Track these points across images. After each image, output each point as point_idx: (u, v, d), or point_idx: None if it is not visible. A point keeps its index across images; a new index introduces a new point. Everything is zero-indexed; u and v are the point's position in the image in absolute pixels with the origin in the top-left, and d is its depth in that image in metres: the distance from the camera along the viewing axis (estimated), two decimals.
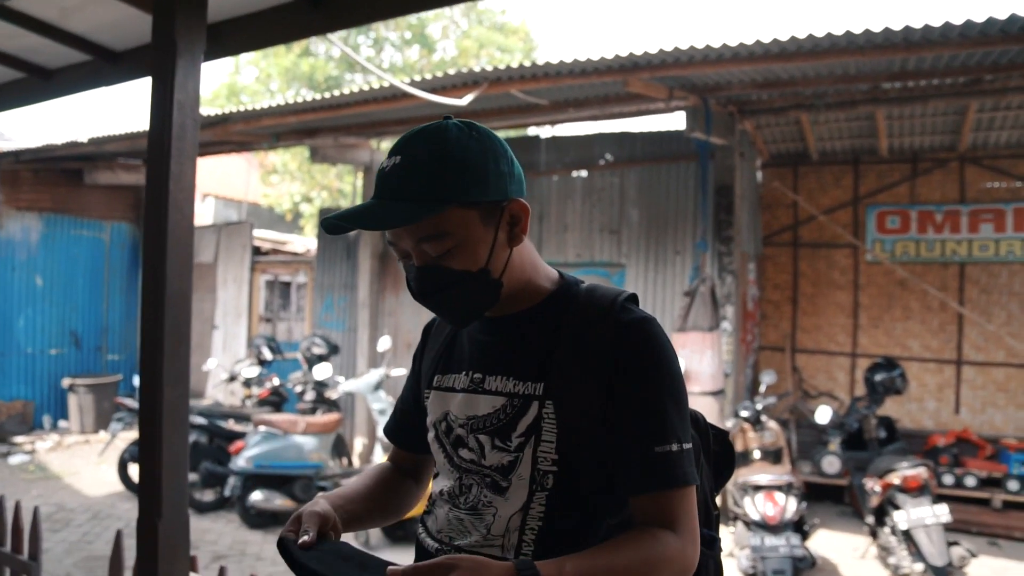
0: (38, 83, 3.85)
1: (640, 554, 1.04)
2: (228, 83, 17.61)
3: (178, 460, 2.17)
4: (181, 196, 2.18)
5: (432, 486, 1.33)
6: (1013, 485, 6.35)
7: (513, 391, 1.16)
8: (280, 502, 6.09)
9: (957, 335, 7.39)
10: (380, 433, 6.24)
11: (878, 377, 6.06)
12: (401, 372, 6.81)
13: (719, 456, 1.38)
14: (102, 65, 3.44)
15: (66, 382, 9.29)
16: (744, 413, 5.63)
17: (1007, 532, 6.17)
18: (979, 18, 4.23)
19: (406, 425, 1.43)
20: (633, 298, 1.20)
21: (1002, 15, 4.19)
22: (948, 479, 6.43)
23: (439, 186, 1.07)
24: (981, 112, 6.40)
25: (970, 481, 6.45)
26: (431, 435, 1.29)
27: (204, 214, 16.75)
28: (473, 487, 1.19)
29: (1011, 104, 6.20)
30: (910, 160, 7.59)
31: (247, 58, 17.97)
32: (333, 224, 1.08)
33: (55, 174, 9.64)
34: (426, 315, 8.59)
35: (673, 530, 1.08)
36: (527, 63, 5.14)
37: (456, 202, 1.07)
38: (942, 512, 4.70)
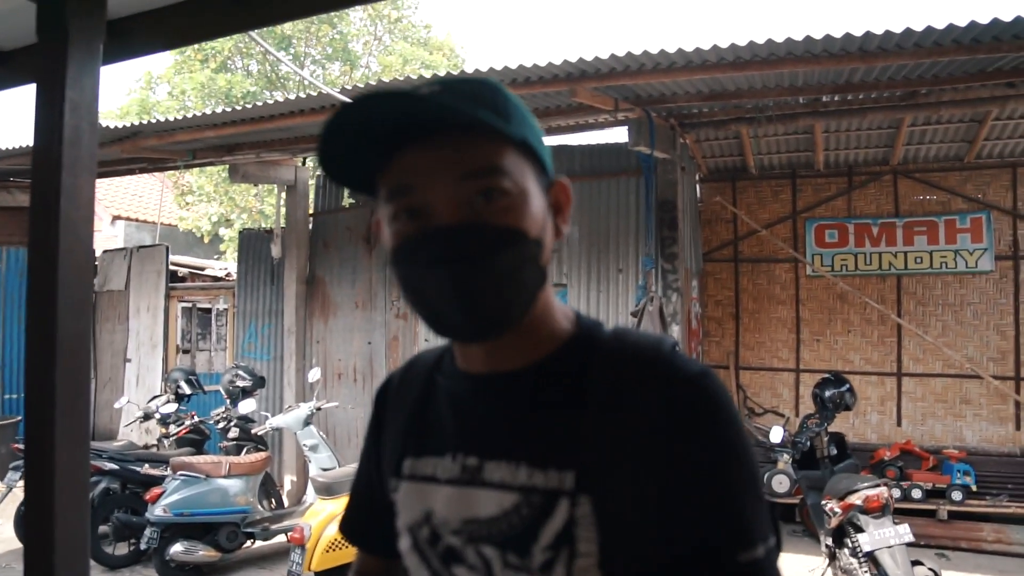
0: None
1: None
2: (139, 99, 16.72)
3: (75, 544, 1.74)
4: (77, 215, 1.77)
5: None
6: (956, 495, 6.37)
7: (529, 484, 0.82)
8: (203, 553, 5.55)
9: (896, 347, 7.45)
10: (312, 472, 5.77)
11: (827, 393, 5.98)
12: (333, 404, 6.36)
13: None
14: None
15: None
16: None
17: (954, 543, 6.18)
18: (918, 26, 4.20)
19: (369, 521, 1.05)
20: (675, 346, 0.88)
21: (940, 24, 4.18)
22: (895, 492, 6.40)
23: (502, 113, 0.80)
24: (914, 126, 6.49)
25: (916, 493, 6.45)
26: (406, 543, 0.92)
27: (114, 238, 15.75)
28: None
29: (942, 118, 6.29)
30: (846, 174, 7.66)
31: (159, 72, 17.12)
32: (383, 104, 0.77)
33: None
34: (359, 343, 8.26)
35: None
36: (468, 71, 4.85)
37: (525, 141, 0.81)
38: (905, 532, 4.59)
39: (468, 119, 0.76)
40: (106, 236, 15.27)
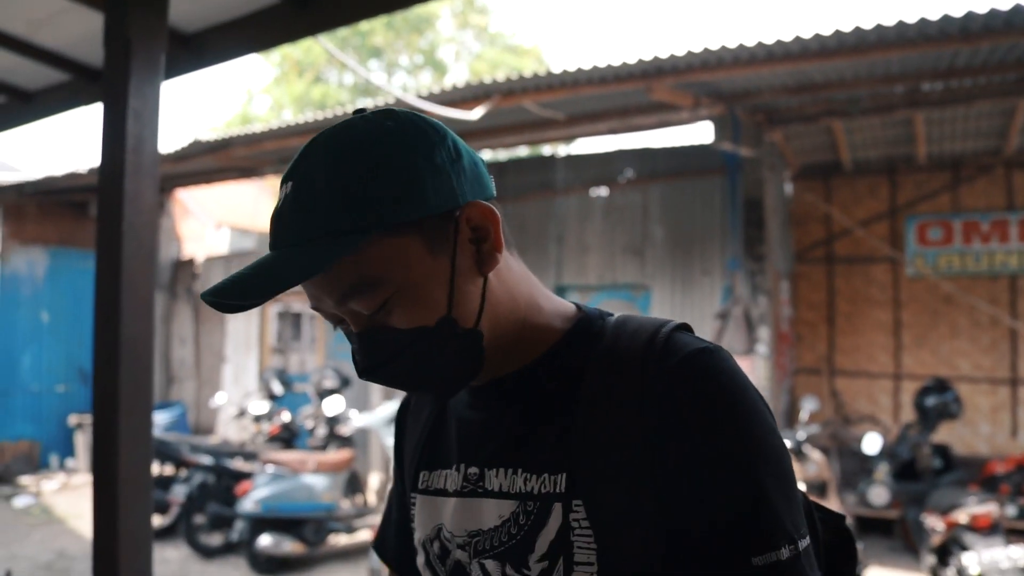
0: (18, 106, 3.61)
1: None
2: (241, 113, 17.58)
3: (139, 540, 1.80)
4: (139, 221, 1.83)
5: None
6: None
7: (525, 490, 0.78)
8: (290, 546, 5.72)
9: (1011, 353, 6.90)
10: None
11: (930, 401, 5.61)
12: None
13: (833, 550, 0.90)
14: (82, 84, 3.17)
15: (73, 420, 9.01)
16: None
17: None
18: None
19: (397, 539, 1.02)
20: (683, 327, 0.79)
21: None
22: (1011, 510, 5.91)
23: (347, 211, 0.70)
24: None
25: None
26: (420, 559, 0.89)
27: (219, 244, 16.59)
28: None
29: None
30: (951, 167, 7.16)
31: (260, 87, 17.93)
32: (215, 303, 0.72)
33: (60, 206, 9.46)
34: None
35: None
36: (542, 72, 4.81)
37: (377, 229, 0.70)
38: (1019, 555, 4.23)
39: (312, 275, 0.71)
40: (211, 242, 16.11)
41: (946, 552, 4.71)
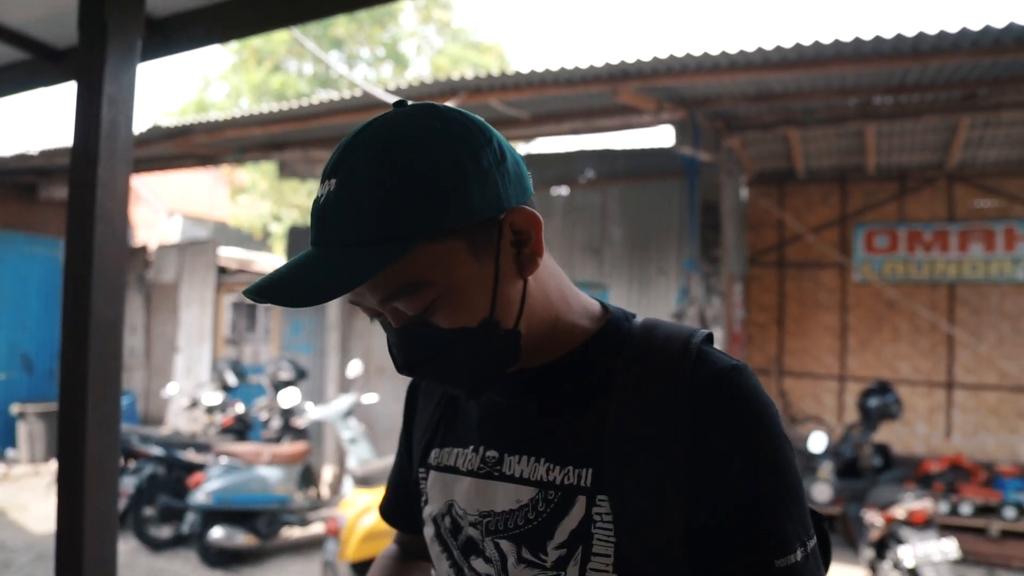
0: None
1: None
2: (197, 100, 17.20)
3: (105, 527, 1.80)
4: (112, 206, 1.83)
5: None
6: (1010, 513, 6.14)
7: (547, 479, 0.81)
8: (243, 539, 5.67)
9: (947, 357, 7.20)
10: (350, 464, 5.85)
11: (872, 402, 5.83)
12: (373, 399, 6.44)
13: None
14: (41, 64, 3.09)
15: (15, 408, 8.74)
16: None
17: (1005, 562, 5.95)
18: (975, 26, 4.07)
19: (406, 506, 1.07)
20: (710, 339, 0.84)
21: (999, 24, 4.03)
22: (943, 507, 6.20)
23: (394, 218, 0.71)
24: (972, 129, 6.25)
25: (965, 509, 6.22)
26: (430, 532, 0.93)
27: (171, 232, 16.23)
28: None
29: (1003, 120, 6.05)
30: (898, 178, 7.44)
31: (217, 73, 17.56)
32: (258, 298, 0.73)
33: (7, 189, 9.16)
34: None
35: None
36: (510, 71, 4.86)
37: (425, 236, 0.72)
38: (950, 548, 4.44)
39: (362, 281, 0.70)
40: (163, 230, 15.76)
41: (884, 546, 4.91)
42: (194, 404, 7.50)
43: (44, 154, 7.42)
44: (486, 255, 0.76)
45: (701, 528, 0.76)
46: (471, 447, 0.89)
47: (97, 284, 1.80)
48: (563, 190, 7.23)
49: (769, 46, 4.29)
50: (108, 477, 1.83)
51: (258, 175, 15.81)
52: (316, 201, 0.76)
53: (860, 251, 7.49)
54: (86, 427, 1.78)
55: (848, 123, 5.91)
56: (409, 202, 0.71)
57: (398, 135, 0.73)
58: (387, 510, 1.13)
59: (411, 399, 1.06)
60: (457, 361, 0.78)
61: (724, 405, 0.77)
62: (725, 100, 5.47)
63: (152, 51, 2.23)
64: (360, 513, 4.76)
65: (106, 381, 1.82)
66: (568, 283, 0.89)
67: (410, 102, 0.79)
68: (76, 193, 1.84)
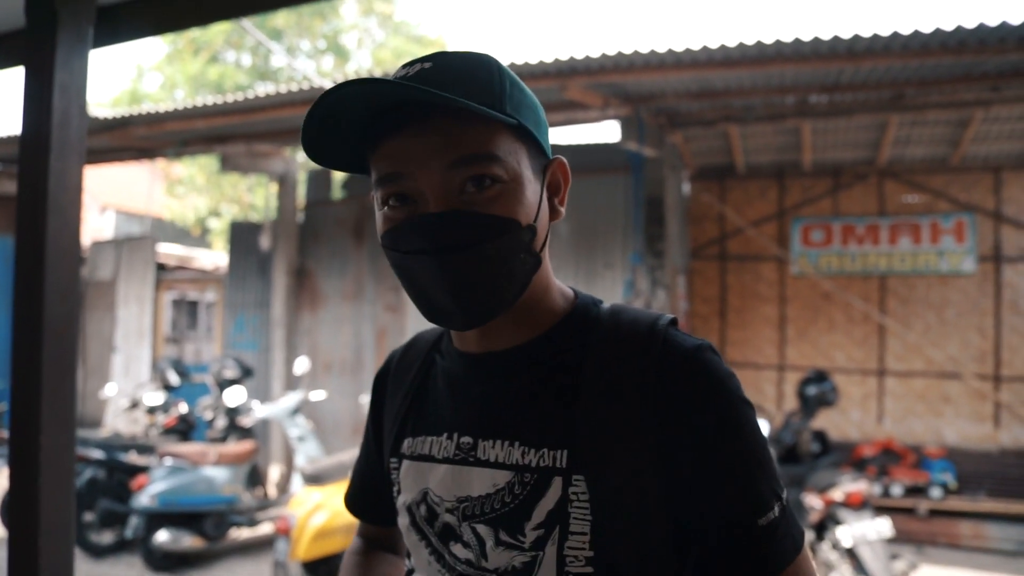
0: None
1: None
2: (130, 90, 16.63)
3: (62, 526, 1.76)
4: (65, 198, 1.78)
5: None
6: (936, 492, 6.46)
7: (522, 462, 0.83)
8: (189, 542, 5.55)
9: (879, 346, 7.52)
10: (298, 462, 5.79)
11: (810, 390, 6.04)
12: (320, 395, 6.37)
13: None
14: None
15: None
16: None
17: (931, 539, 6.27)
18: (905, 30, 4.27)
19: (373, 497, 1.08)
20: (674, 322, 0.87)
21: (927, 28, 4.25)
22: (876, 489, 6.48)
23: (498, 95, 0.80)
24: (900, 127, 6.54)
25: (896, 490, 6.53)
26: (405, 521, 0.94)
27: (104, 228, 15.66)
28: None
29: (928, 120, 6.36)
30: (832, 174, 7.72)
31: (151, 63, 17.01)
32: (344, 100, 0.77)
33: None
34: (347, 335, 8.26)
35: None
36: None
37: (514, 122, 0.80)
38: (884, 527, 4.66)
39: (455, 106, 0.74)
40: (96, 226, 15.20)
41: (823, 528, 5.12)
42: (134, 405, 7.28)
43: None
44: (538, 180, 0.84)
45: (680, 500, 0.79)
46: (445, 434, 0.89)
47: (50, 280, 1.76)
48: None
49: (713, 45, 4.41)
50: (64, 477, 1.79)
51: (195, 169, 15.40)
52: (400, 77, 0.81)
53: (797, 244, 7.75)
54: (40, 426, 1.74)
55: (786, 120, 6.12)
56: (510, 94, 0.81)
57: (492, 60, 0.84)
58: (353, 501, 1.12)
59: (378, 389, 1.05)
60: (490, 256, 0.78)
61: (693, 380, 0.80)
62: (669, 96, 5.60)
63: (103, 39, 2.18)
64: (311, 511, 4.72)
65: (61, 380, 1.78)
66: (552, 278, 0.92)
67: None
68: (26, 185, 1.78)
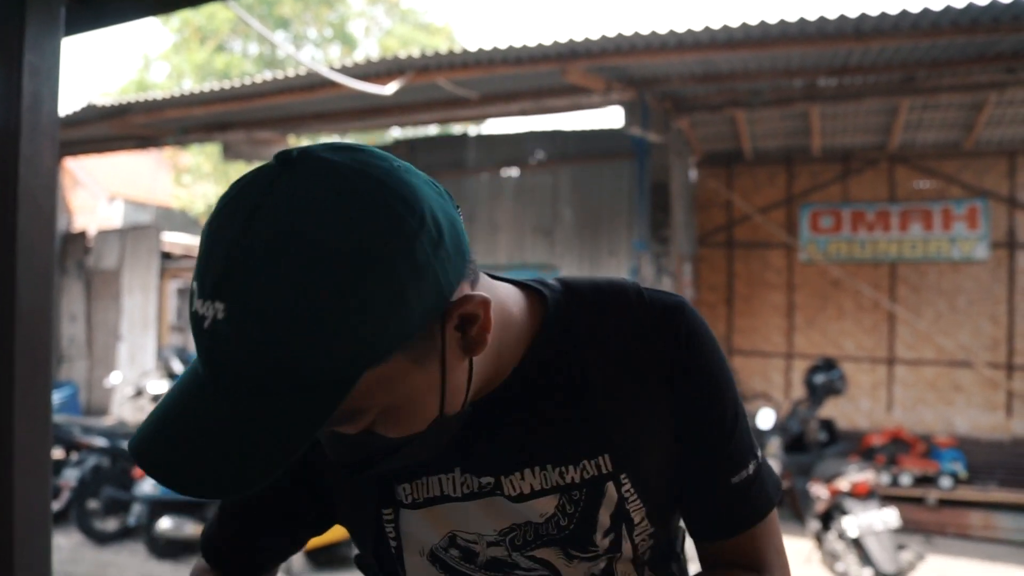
0: None
1: None
2: (137, 80, 16.63)
3: (37, 527, 1.72)
4: (36, 183, 1.73)
5: None
6: (946, 482, 6.38)
7: (567, 482, 0.79)
8: (192, 529, 5.54)
9: (889, 334, 7.42)
10: None
11: (818, 379, 5.97)
12: None
13: None
14: None
15: None
16: None
17: (940, 529, 6.20)
18: (915, 9, 4.16)
19: (263, 538, 0.92)
20: (640, 290, 0.83)
21: (937, 6, 4.13)
22: (884, 478, 6.41)
23: (335, 347, 0.55)
24: (912, 111, 6.41)
25: (905, 480, 6.45)
26: (427, 572, 0.85)
27: (112, 217, 15.70)
28: None
29: (940, 103, 6.22)
30: (842, 159, 7.60)
31: (157, 53, 16.99)
32: (153, 474, 0.57)
33: None
34: None
35: (764, 565, 0.85)
36: (457, 50, 4.79)
37: (360, 372, 0.58)
38: (891, 518, 4.59)
39: (280, 458, 0.57)
40: (104, 215, 15.23)
41: (829, 517, 5.06)
42: (139, 393, 7.29)
43: None
44: (430, 357, 0.63)
45: (681, 461, 0.82)
46: (456, 470, 0.80)
47: (22, 269, 1.71)
48: (513, 172, 7.20)
49: (716, 26, 4.32)
50: (40, 469, 1.75)
51: (202, 157, 15.40)
52: (197, 319, 0.57)
53: (806, 231, 7.64)
54: (13, 423, 1.69)
55: (794, 104, 6.01)
56: (343, 334, 0.55)
57: (299, 237, 0.55)
58: (218, 545, 0.91)
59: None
60: (406, 456, 0.71)
61: (688, 336, 0.80)
62: (674, 80, 5.50)
63: (78, 23, 2.12)
64: None
65: (35, 371, 1.73)
66: (503, 293, 0.77)
67: (295, 152, 0.59)
68: None
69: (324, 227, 0.55)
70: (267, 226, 0.55)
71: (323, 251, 0.54)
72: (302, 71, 5.20)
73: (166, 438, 0.58)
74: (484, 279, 0.74)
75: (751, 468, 0.82)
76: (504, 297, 0.77)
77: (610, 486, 0.79)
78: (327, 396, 0.57)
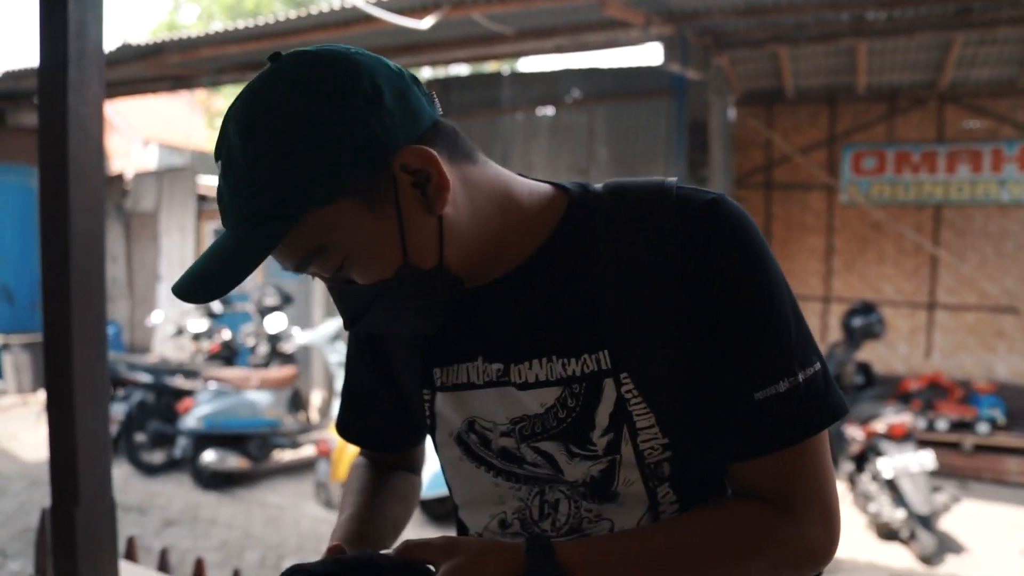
0: None
1: (716, 536, 0.75)
2: (167, 22, 16.59)
3: (97, 437, 1.79)
4: (85, 111, 1.74)
5: (465, 517, 0.94)
6: (983, 428, 6.32)
7: (565, 374, 0.80)
8: (234, 462, 5.75)
9: (930, 279, 7.27)
10: (338, 386, 5.90)
11: (856, 322, 5.89)
12: None
13: None
14: None
15: None
16: None
17: (976, 474, 6.17)
18: None
19: (379, 422, 1.03)
20: (677, 185, 0.80)
21: None
22: (921, 423, 6.36)
23: (270, 196, 0.70)
24: (966, 47, 6.14)
25: (942, 425, 6.40)
26: (454, 453, 0.90)
27: (147, 162, 15.86)
28: (562, 502, 0.84)
29: (997, 38, 5.94)
30: (888, 98, 7.34)
31: None
32: (184, 298, 0.74)
33: None
34: None
35: (788, 501, 0.75)
36: None
37: (303, 209, 0.70)
38: (927, 459, 4.57)
39: (255, 264, 0.71)
40: (139, 159, 15.39)
41: (863, 459, 5.06)
42: (180, 332, 7.48)
43: (10, 76, 7.14)
44: (384, 205, 0.72)
45: (703, 366, 0.77)
46: (480, 358, 0.84)
47: (75, 195, 1.74)
48: (549, 110, 7.09)
49: None
50: (98, 390, 1.81)
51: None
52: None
53: (847, 173, 7.45)
54: (71, 340, 1.75)
55: (840, 40, 5.78)
56: (281, 179, 0.69)
57: (259, 107, 0.70)
58: (348, 428, 1.06)
59: None
60: (391, 310, 0.78)
61: (711, 238, 0.75)
62: (715, 14, 5.32)
63: None
64: None
65: (91, 292, 1.78)
66: (516, 183, 0.82)
67: (283, 55, 0.74)
68: (46, 100, 1.75)
69: (272, 95, 0.70)
70: (240, 103, 0.72)
71: (270, 114, 0.69)
72: (336, 4, 5.12)
73: (190, 272, 0.74)
74: (488, 163, 0.80)
75: (783, 385, 0.74)
76: (511, 186, 0.81)
77: (608, 383, 0.78)
78: (275, 229, 0.70)
